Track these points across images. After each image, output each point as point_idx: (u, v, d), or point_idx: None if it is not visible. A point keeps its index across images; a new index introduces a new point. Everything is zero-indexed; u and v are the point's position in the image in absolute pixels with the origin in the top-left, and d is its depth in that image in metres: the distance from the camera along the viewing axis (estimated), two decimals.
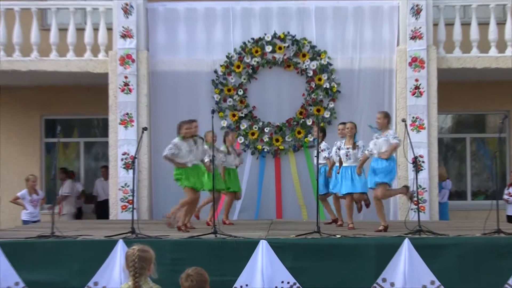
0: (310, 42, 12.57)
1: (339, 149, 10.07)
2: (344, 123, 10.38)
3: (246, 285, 8.08)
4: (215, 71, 12.60)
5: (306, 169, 12.41)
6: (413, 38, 12.15)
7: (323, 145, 10.42)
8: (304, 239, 8.44)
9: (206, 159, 9.90)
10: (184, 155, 9.43)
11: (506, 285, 8.07)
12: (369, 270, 8.12)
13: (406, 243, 8.15)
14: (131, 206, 11.62)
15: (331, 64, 12.53)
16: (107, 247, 8.27)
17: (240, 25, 12.69)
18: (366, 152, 9.61)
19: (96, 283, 8.17)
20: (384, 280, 8.11)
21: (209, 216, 10.40)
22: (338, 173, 10.04)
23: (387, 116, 9.53)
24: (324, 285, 8.09)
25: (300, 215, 12.25)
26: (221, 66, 12.58)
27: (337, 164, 10.10)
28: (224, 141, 10.88)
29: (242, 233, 8.82)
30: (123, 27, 12.27)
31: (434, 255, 8.15)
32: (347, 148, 9.95)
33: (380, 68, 12.49)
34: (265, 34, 12.61)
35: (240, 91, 12.55)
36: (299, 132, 12.45)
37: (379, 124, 9.47)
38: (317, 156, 9.21)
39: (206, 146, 9.90)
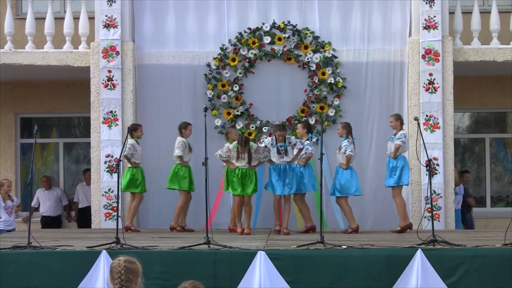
0: (313, 33, 12.59)
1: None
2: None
3: None
4: (208, 65, 12.61)
5: None
6: (426, 28, 12.17)
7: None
8: (306, 250, 8.47)
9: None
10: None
11: None
12: (378, 284, 8.14)
13: (419, 254, 8.16)
14: (115, 213, 11.61)
15: (336, 57, 12.55)
16: (89, 258, 8.29)
17: (235, 13, 12.70)
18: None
19: None
20: None
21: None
22: None
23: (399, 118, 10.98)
24: None
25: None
26: (214, 59, 12.59)
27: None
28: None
29: (238, 244, 8.85)
30: (106, 15, 12.28)
31: (450, 268, 8.17)
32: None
33: (390, 61, 12.51)
34: (263, 24, 12.63)
35: (236, 86, 12.57)
36: None
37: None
38: (321, 158, 9.45)
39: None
